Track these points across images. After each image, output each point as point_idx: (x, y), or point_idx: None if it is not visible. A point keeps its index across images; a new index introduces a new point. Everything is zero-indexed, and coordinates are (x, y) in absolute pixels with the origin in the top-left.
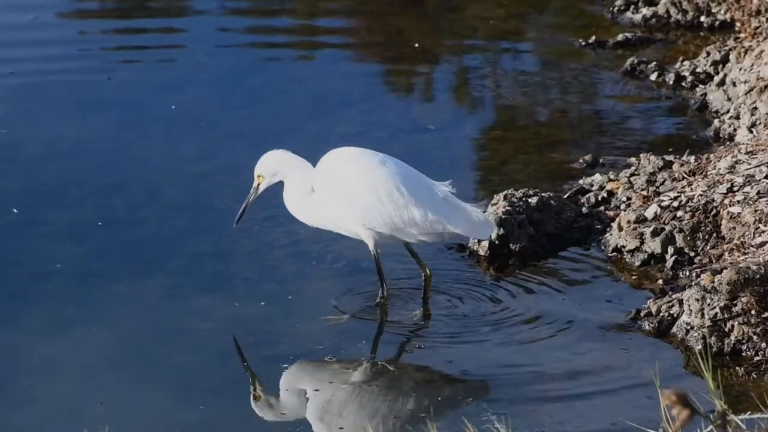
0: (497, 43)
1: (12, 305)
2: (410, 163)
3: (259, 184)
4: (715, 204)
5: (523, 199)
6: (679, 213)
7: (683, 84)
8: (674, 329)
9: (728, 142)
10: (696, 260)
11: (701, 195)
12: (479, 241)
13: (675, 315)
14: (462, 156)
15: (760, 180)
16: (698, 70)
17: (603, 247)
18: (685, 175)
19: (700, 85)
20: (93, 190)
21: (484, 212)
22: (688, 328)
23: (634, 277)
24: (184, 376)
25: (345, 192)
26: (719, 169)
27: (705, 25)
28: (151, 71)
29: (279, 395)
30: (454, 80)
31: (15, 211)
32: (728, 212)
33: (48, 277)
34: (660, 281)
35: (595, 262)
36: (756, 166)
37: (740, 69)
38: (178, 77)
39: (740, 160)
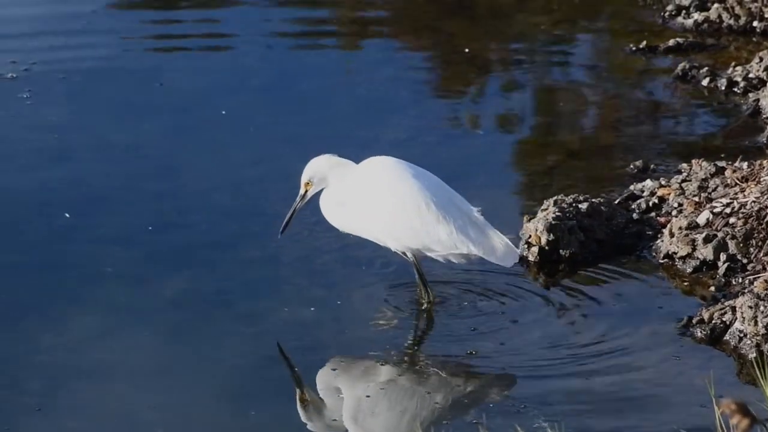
0: (547, 49)
1: (63, 309)
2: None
3: (306, 192)
4: None
5: (574, 204)
6: (732, 219)
7: (735, 89)
8: (727, 337)
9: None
10: (749, 267)
11: (754, 201)
12: (529, 247)
13: (728, 322)
14: (511, 161)
15: None
16: (750, 75)
17: (654, 254)
18: (738, 182)
19: (753, 91)
20: (143, 195)
21: (511, 239)
22: (742, 335)
23: (685, 284)
24: (234, 381)
25: (374, 203)
26: None
27: (758, 30)
28: (201, 76)
29: (326, 400)
30: (504, 85)
31: (67, 215)
32: None
33: (98, 281)
34: (712, 288)
35: (646, 269)
36: None
37: None
38: (228, 82)
39: None
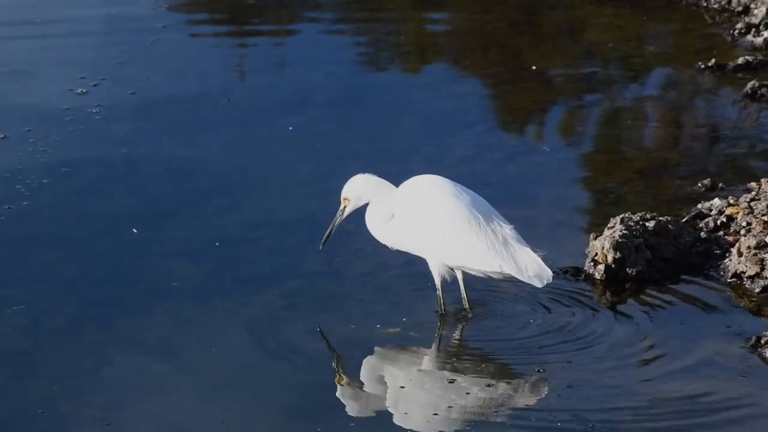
0: (615, 66)
1: (129, 323)
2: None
3: (345, 207)
4: None
5: (641, 222)
6: None
7: None
8: None
9: None
10: None
11: None
12: (595, 265)
13: None
14: (577, 178)
15: None
16: None
17: (722, 273)
18: None
19: None
20: (209, 210)
21: (541, 256)
22: None
23: (753, 304)
24: (299, 397)
25: (416, 219)
26: None
27: None
28: (268, 92)
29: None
30: (570, 102)
31: (135, 230)
32: None
33: (164, 296)
34: None
35: (713, 288)
36: None
37: None
38: (295, 98)
39: None
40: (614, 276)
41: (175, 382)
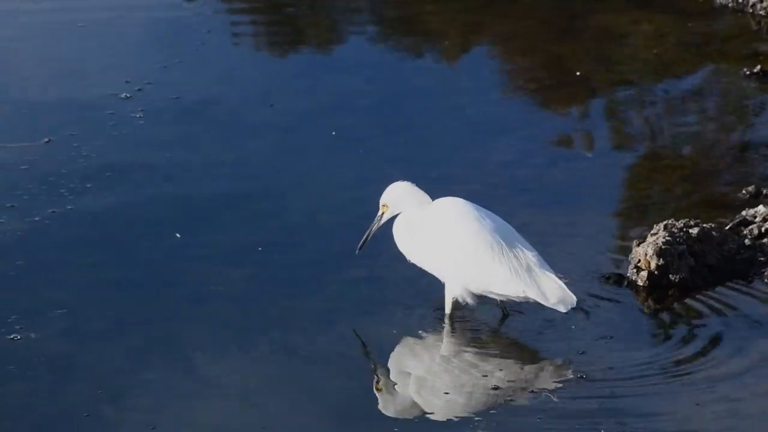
0: (659, 72)
1: (171, 327)
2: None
3: (383, 213)
4: None
5: (684, 229)
6: None
7: None
8: None
9: None
10: None
11: None
12: (638, 271)
13: None
14: (620, 184)
15: None
16: None
17: (766, 280)
18: None
19: None
20: (251, 214)
21: (566, 282)
22: None
23: None
24: (341, 402)
25: (439, 241)
26: None
27: None
28: (311, 97)
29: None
30: (613, 108)
31: (178, 235)
32: None
33: (207, 300)
34: None
35: (757, 296)
36: None
37: None
38: (337, 103)
39: None
40: (657, 283)
41: (218, 386)
